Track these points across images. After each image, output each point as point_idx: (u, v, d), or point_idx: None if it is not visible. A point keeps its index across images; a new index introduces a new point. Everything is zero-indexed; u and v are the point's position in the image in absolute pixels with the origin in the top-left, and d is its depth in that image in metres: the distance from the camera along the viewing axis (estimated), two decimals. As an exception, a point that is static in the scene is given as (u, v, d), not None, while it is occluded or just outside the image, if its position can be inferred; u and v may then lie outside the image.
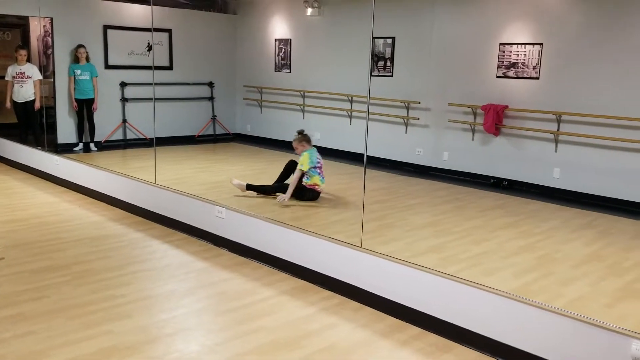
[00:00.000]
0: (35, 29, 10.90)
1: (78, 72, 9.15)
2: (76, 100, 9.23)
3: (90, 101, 9.32)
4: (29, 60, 9.10)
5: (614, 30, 6.57)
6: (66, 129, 9.41)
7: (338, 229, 5.26)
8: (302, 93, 10.01)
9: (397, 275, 3.78)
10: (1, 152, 8.86)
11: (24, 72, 8.78)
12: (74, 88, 9.19)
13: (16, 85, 8.79)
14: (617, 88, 6.59)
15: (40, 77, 9.00)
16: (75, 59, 9.19)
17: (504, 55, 7.49)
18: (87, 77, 9.21)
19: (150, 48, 9.91)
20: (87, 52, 9.20)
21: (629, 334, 2.81)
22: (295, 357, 3.20)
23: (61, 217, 5.91)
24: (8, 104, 8.87)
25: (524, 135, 7.41)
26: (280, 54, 10.40)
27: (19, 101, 8.81)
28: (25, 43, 10.65)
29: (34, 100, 8.85)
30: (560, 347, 3.04)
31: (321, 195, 6.37)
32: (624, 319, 3.61)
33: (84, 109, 9.34)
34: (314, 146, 6.57)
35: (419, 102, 8.38)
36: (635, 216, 6.21)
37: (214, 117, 11.01)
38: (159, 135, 8.48)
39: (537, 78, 7.22)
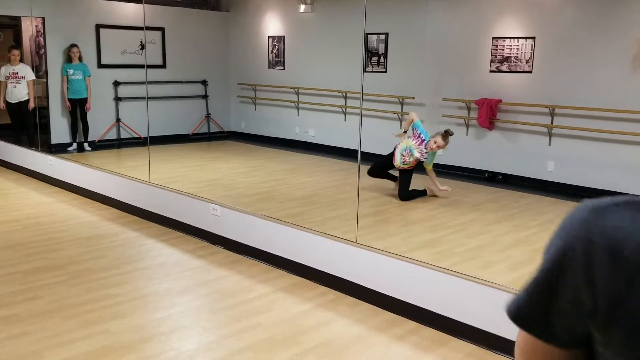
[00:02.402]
0: (28, 29, 10.85)
1: (71, 71, 9.11)
2: (69, 100, 9.19)
3: (83, 101, 9.28)
4: (21, 60, 9.06)
5: (606, 23, 6.59)
6: (59, 129, 9.39)
7: (333, 225, 5.26)
8: (296, 90, 10.00)
9: (392, 270, 3.78)
10: (-6, 153, 8.83)
11: (17, 73, 8.72)
12: (67, 88, 9.16)
13: (9, 86, 8.74)
14: (610, 81, 6.60)
15: (34, 77, 8.95)
16: (68, 59, 9.15)
17: (497, 50, 7.49)
18: (80, 77, 9.18)
19: (143, 47, 9.88)
20: (79, 52, 9.16)
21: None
22: (291, 354, 3.20)
23: (55, 217, 5.89)
24: (2, 105, 8.82)
25: (518, 129, 7.43)
26: (274, 51, 10.38)
27: (13, 102, 8.76)
28: (18, 43, 10.60)
29: (27, 101, 8.81)
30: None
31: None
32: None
33: (77, 109, 9.30)
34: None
35: (413, 98, 8.38)
36: (629, 208, 6.22)
37: (208, 115, 10.98)
38: (152, 134, 8.44)
39: (530, 72, 7.23)
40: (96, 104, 9.56)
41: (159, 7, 10.12)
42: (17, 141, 8.72)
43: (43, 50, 9.28)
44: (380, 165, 6.56)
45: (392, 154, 6.45)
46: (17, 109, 8.79)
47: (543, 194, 6.84)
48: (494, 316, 3.30)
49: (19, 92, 8.74)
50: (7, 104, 8.80)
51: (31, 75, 8.89)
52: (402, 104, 8.54)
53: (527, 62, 7.24)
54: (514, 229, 5.34)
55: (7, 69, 8.73)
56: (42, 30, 9.28)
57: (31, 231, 5.35)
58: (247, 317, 3.65)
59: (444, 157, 8.15)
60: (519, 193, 6.86)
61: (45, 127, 9.17)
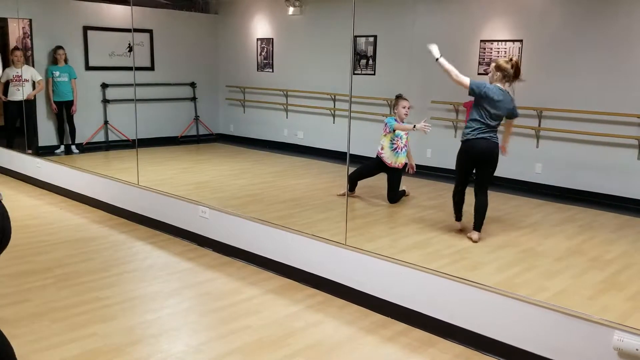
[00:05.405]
0: (14, 31, 10.77)
1: (56, 74, 9.05)
2: (55, 102, 9.13)
3: (70, 103, 9.22)
4: (8, 63, 8.97)
5: (593, 26, 6.65)
6: (47, 131, 9.33)
7: (322, 227, 5.27)
8: (284, 92, 10.00)
9: (381, 272, 3.79)
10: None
11: (20, 75, 8.63)
12: (52, 90, 9.09)
13: (12, 89, 8.64)
14: (596, 83, 6.67)
15: (40, 77, 8.91)
16: (54, 61, 9.09)
17: (484, 52, 7.54)
18: (66, 79, 9.12)
19: (131, 49, 9.84)
20: (65, 54, 9.10)
21: (611, 325, 2.85)
22: (280, 356, 3.20)
23: (43, 220, 5.85)
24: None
25: (506, 131, 7.46)
26: (263, 54, 10.38)
27: (14, 100, 8.67)
28: (4, 45, 10.52)
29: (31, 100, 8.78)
30: (543, 339, 3.07)
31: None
32: (606, 310, 3.65)
33: (64, 111, 9.24)
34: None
35: (402, 100, 8.40)
36: (616, 210, 6.29)
37: (196, 118, 10.96)
38: (141, 136, 8.43)
39: (518, 74, 7.26)
40: (84, 106, 9.51)
41: (147, 9, 10.10)
42: (10, 143, 8.65)
43: (30, 52, 9.21)
44: (363, 172, 6.52)
45: (378, 162, 6.39)
46: (19, 110, 8.68)
47: (531, 196, 6.89)
48: (482, 317, 3.31)
49: (22, 95, 8.64)
50: (8, 102, 8.72)
51: (38, 76, 8.85)
52: (390, 106, 8.56)
53: (514, 64, 7.28)
54: (502, 230, 5.37)
55: (11, 71, 8.64)
56: (29, 32, 9.22)
57: (18, 234, 5.30)
58: (236, 319, 3.65)
59: (432, 159, 8.22)
60: (506, 195, 6.90)
61: (33, 130, 9.10)
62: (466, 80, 4.84)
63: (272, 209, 5.96)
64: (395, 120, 6.24)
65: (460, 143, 5.14)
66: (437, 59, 4.92)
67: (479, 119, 4.89)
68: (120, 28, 9.76)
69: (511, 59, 4.93)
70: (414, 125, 6.00)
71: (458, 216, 5.26)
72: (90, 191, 6.43)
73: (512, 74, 4.85)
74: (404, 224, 5.67)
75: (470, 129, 4.94)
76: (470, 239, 4.99)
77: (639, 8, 6.35)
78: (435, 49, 4.92)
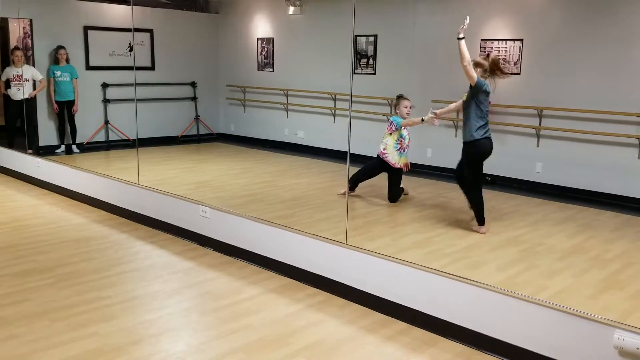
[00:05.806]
0: (15, 31, 10.77)
1: (58, 73, 9.05)
2: (56, 102, 9.13)
3: (71, 103, 9.22)
4: (9, 62, 8.98)
5: (593, 25, 6.65)
6: (47, 131, 9.32)
7: (323, 226, 5.26)
8: (285, 92, 10.00)
9: (382, 271, 3.79)
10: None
11: (21, 75, 8.63)
12: (54, 90, 9.10)
13: (13, 88, 8.65)
14: (597, 82, 6.66)
15: (42, 76, 8.91)
16: (55, 61, 9.09)
17: (485, 52, 7.53)
18: (67, 79, 9.12)
19: (131, 49, 9.84)
20: (67, 54, 9.11)
21: (612, 324, 2.85)
22: (281, 355, 3.20)
23: (43, 219, 5.85)
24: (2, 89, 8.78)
25: (506, 130, 7.46)
26: (263, 53, 10.38)
27: (15, 99, 8.68)
28: (5, 45, 10.52)
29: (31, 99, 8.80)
30: (544, 338, 3.07)
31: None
32: (607, 309, 3.65)
33: (65, 111, 9.24)
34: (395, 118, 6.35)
35: (402, 99, 8.39)
36: (616, 209, 6.29)
37: (197, 117, 10.96)
38: (141, 136, 8.44)
39: (518, 74, 7.27)
40: (85, 106, 9.51)
41: (148, 9, 10.09)
42: (11, 143, 8.65)
43: (30, 52, 9.22)
44: (365, 172, 6.46)
45: (380, 163, 6.37)
46: (20, 109, 8.69)
47: (531, 195, 6.89)
48: (483, 316, 3.31)
49: (22, 94, 8.64)
50: (9, 101, 8.72)
51: (39, 76, 8.86)
52: (391, 105, 8.55)
53: (515, 64, 7.28)
54: (502, 229, 5.37)
55: (10, 71, 8.65)
56: (29, 32, 9.22)
57: (19, 234, 5.31)
58: (237, 318, 3.65)
59: (433, 158, 8.21)
60: (507, 194, 6.90)
61: (33, 129, 9.11)
62: (474, 73, 5.00)
63: (272, 209, 5.96)
64: (400, 116, 6.27)
65: (463, 144, 5.22)
66: (459, 38, 4.97)
67: (483, 116, 5.09)
68: (121, 28, 9.75)
69: (488, 55, 5.28)
70: (422, 119, 6.01)
71: (483, 219, 5.29)
72: (90, 191, 6.43)
73: (489, 68, 5.15)
74: (405, 223, 5.67)
75: (476, 128, 5.11)
76: (477, 232, 5.22)
77: (639, 8, 6.35)
78: (466, 24, 4.97)
